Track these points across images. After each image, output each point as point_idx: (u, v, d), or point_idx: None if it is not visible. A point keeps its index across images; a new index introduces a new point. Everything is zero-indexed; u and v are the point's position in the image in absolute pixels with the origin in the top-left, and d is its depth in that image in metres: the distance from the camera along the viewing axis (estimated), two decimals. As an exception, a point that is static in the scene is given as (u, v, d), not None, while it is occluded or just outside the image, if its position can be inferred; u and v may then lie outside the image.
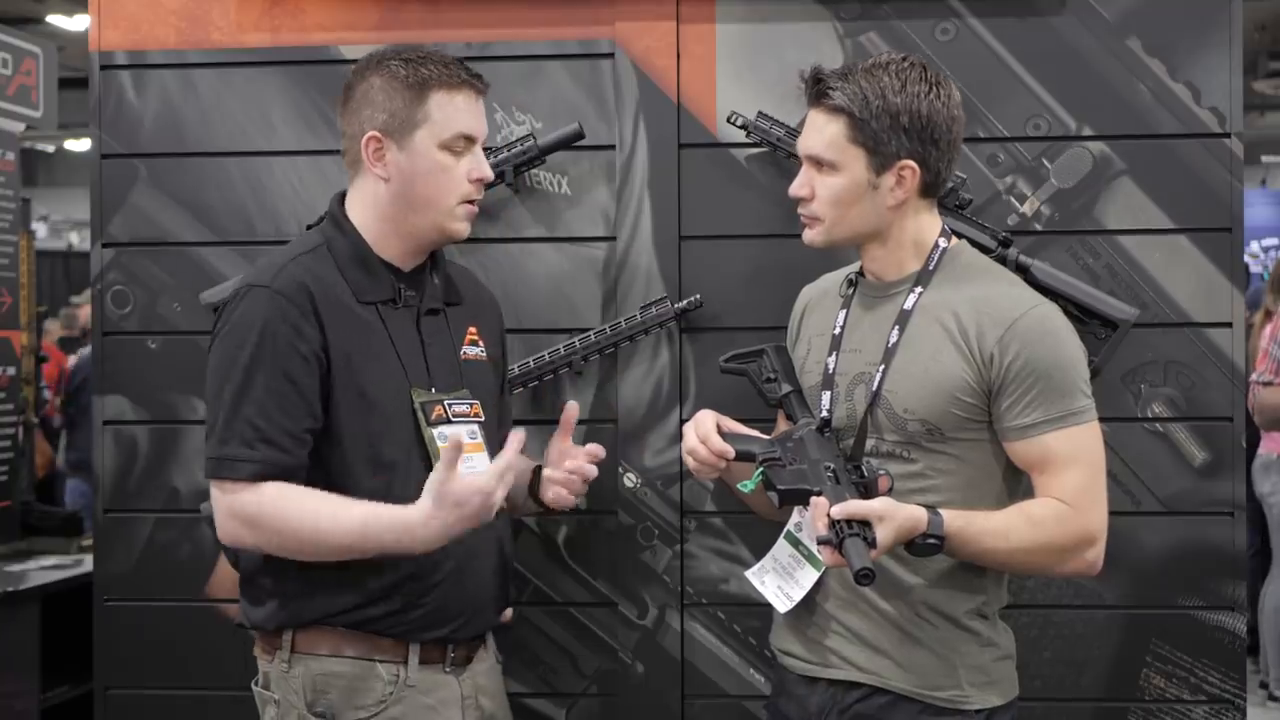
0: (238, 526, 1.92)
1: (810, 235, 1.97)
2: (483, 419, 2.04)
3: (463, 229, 2.04)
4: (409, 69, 1.98)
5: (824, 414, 1.97)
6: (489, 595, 2.06)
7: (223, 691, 2.44)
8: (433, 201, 2.00)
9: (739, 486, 1.96)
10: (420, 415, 1.97)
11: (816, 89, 1.90)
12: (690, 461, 1.98)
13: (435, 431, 1.97)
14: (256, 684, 2.03)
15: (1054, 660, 2.42)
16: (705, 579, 2.46)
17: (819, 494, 1.81)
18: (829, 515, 1.76)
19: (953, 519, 1.81)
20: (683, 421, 2.42)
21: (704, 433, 1.96)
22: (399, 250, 2.03)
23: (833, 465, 1.86)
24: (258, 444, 1.90)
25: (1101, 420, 1.93)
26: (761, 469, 1.91)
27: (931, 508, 1.81)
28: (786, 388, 2.07)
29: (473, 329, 2.12)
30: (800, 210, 1.96)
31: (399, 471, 1.96)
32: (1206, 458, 2.40)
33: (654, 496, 2.45)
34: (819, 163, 1.91)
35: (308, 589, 1.95)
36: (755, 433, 2.01)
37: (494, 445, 2.08)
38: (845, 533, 1.73)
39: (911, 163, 1.89)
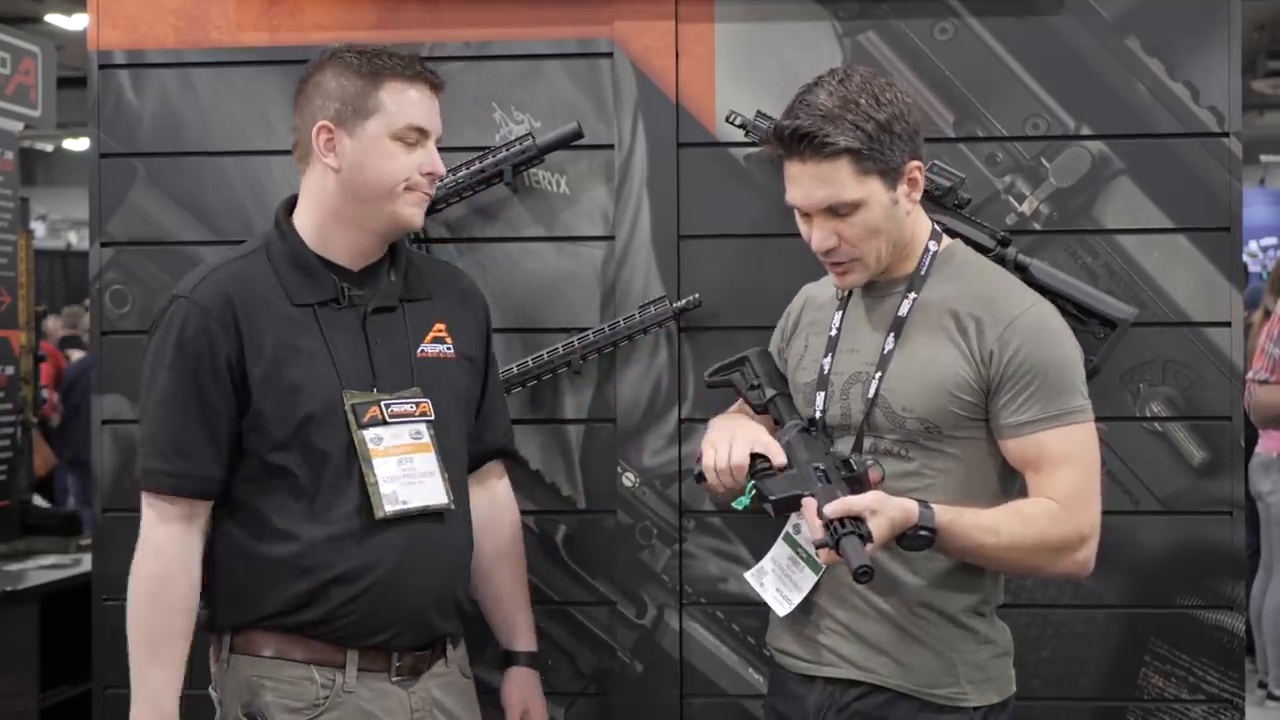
0: (140, 546, 1.96)
1: (854, 278, 1.95)
2: (432, 418, 2.00)
3: (414, 215, 2.00)
4: (362, 60, 1.97)
5: (816, 412, 1.97)
6: (429, 605, 2.00)
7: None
8: (381, 192, 1.97)
9: (734, 505, 1.93)
10: (351, 417, 1.94)
11: (806, 143, 1.85)
12: (710, 476, 1.95)
13: (367, 434, 1.95)
14: (211, 687, 2.04)
15: (1052, 659, 2.42)
16: (704, 578, 2.46)
17: (811, 495, 1.81)
18: (822, 515, 1.76)
19: (943, 511, 1.81)
20: (681, 421, 2.43)
21: (736, 463, 1.91)
22: (348, 247, 2.01)
23: (822, 465, 1.86)
24: (174, 456, 1.93)
25: (1100, 419, 1.94)
26: (753, 483, 1.89)
27: (923, 501, 1.81)
28: (770, 392, 2.06)
29: (440, 325, 2.07)
30: (830, 259, 1.93)
31: (329, 473, 1.94)
32: (1205, 457, 2.40)
33: (652, 496, 2.45)
34: (836, 209, 1.88)
35: (241, 591, 1.96)
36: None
37: (460, 444, 2.06)
38: (840, 531, 1.73)
39: (916, 162, 1.90)
